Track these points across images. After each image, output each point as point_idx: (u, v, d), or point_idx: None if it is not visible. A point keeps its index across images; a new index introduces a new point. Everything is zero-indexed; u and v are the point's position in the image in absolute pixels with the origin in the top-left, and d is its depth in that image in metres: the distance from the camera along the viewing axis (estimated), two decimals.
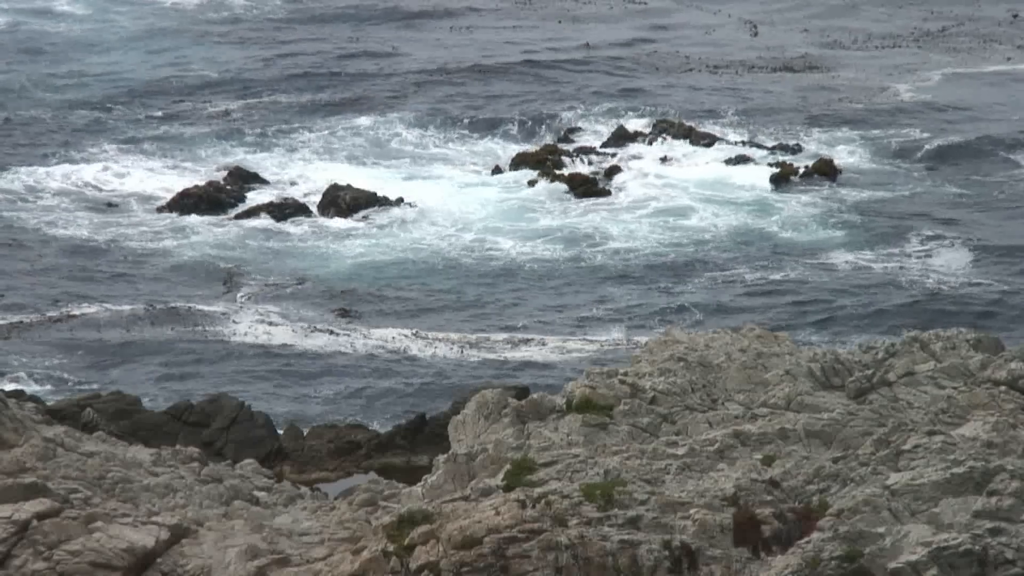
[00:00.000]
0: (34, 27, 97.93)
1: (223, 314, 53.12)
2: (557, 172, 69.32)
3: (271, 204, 65.51)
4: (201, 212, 64.68)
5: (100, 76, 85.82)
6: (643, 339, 50.14)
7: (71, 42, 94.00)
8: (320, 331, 51.45)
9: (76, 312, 52.99)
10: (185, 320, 52.54)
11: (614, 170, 70.17)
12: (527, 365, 48.52)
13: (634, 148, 73.81)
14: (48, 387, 46.29)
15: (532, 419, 27.74)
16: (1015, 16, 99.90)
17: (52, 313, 52.82)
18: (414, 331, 51.39)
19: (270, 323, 52.21)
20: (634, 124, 77.06)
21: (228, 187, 67.29)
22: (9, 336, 50.40)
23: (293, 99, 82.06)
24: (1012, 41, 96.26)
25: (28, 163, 70.29)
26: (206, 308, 53.59)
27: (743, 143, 74.17)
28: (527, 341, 50.70)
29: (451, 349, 49.95)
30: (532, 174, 69.22)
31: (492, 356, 49.48)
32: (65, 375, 47.52)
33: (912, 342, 28.78)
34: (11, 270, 57.51)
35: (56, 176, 68.80)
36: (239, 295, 55.27)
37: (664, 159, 71.88)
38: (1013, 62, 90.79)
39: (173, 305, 53.77)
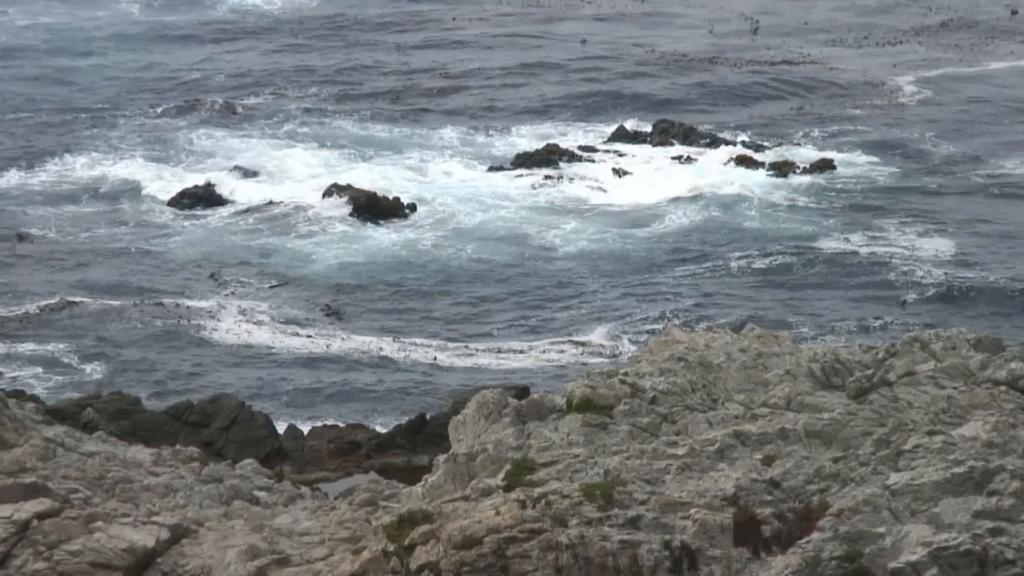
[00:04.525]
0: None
1: (210, 311, 53.35)
2: (556, 172, 69.45)
3: (270, 203, 65.57)
4: (200, 210, 64.86)
5: (96, 77, 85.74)
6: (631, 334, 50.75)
7: (57, 44, 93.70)
8: (302, 333, 51.63)
9: (74, 299, 53.35)
10: (173, 316, 52.78)
11: (614, 168, 70.23)
12: (519, 370, 48.75)
13: (634, 147, 73.84)
14: (38, 372, 46.79)
15: (532, 419, 27.73)
16: (1014, 12, 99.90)
17: (48, 302, 53.24)
18: (394, 336, 51.53)
19: (255, 322, 52.48)
20: (634, 123, 77.07)
21: (227, 185, 67.31)
22: (4, 328, 50.81)
23: (294, 98, 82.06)
24: (1012, 37, 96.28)
25: (26, 162, 70.30)
26: (196, 304, 53.81)
27: (743, 142, 74.22)
28: (511, 350, 50.82)
29: (427, 354, 50.14)
30: (532, 173, 69.32)
31: (473, 362, 49.69)
32: (57, 368, 48.02)
33: (912, 342, 28.76)
34: (9, 266, 57.64)
35: (54, 174, 68.86)
36: (230, 291, 55.43)
37: (664, 159, 71.91)
38: (1015, 58, 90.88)
39: (163, 301, 54.01)
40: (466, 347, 50.81)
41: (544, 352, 50.15)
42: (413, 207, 65.32)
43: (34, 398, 40.51)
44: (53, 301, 53.46)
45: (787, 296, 54.84)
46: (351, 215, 64.13)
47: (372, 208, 64.60)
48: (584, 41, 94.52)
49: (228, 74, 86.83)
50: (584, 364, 46.96)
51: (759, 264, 58.14)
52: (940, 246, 59.44)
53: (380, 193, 65.81)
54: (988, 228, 62.40)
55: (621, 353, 48.61)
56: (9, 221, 62.88)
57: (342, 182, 66.67)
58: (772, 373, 28.20)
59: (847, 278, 56.27)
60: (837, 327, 51.07)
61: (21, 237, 60.90)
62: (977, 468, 23.47)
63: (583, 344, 50.81)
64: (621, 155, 72.45)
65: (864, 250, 59.32)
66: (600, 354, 49.70)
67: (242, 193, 66.89)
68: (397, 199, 65.64)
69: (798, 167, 69.53)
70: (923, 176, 69.34)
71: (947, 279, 55.59)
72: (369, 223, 63.46)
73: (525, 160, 71.37)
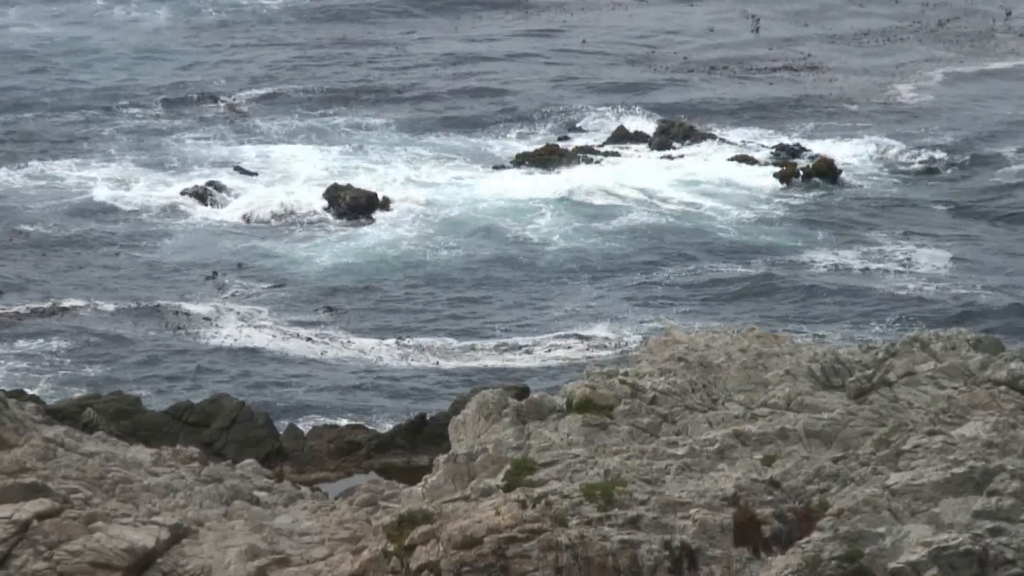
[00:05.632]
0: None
1: (209, 312, 53.43)
2: (556, 172, 69.54)
3: (270, 203, 65.55)
4: (198, 210, 64.86)
5: (92, 75, 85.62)
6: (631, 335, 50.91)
7: (53, 42, 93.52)
8: (302, 335, 51.67)
9: (66, 305, 53.37)
10: (169, 318, 52.83)
11: (612, 168, 70.27)
12: (518, 370, 48.78)
13: (634, 148, 73.81)
14: (37, 372, 47.05)
15: (532, 419, 27.73)
16: (1008, 13, 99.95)
17: (43, 305, 53.28)
18: (397, 338, 51.53)
19: (254, 324, 52.55)
20: (635, 123, 77.01)
21: (226, 186, 67.29)
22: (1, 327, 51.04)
23: (294, 98, 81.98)
24: (1012, 35, 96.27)
25: (21, 162, 70.24)
26: (194, 305, 53.90)
27: (744, 143, 74.21)
28: (516, 347, 50.82)
29: (429, 360, 50.15)
30: (531, 173, 69.37)
31: (477, 362, 49.74)
32: (50, 367, 48.17)
33: (912, 342, 28.76)
34: (3, 266, 57.71)
35: (50, 174, 68.79)
36: (228, 293, 55.49)
37: (665, 159, 71.90)
38: (1015, 57, 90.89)
39: (160, 302, 54.09)
40: (470, 346, 50.84)
41: (549, 351, 50.20)
42: (412, 207, 65.31)
43: (34, 398, 40.50)
44: (47, 305, 53.39)
45: (782, 300, 54.83)
46: (351, 216, 64.12)
47: (372, 209, 64.65)
48: (584, 42, 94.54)
49: (227, 74, 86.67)
50: (590, 357, 47.05)
51: (755, 265, 58.15)
52: (938, 255, 59.35)
53: (380, 194, 65.82)
54: (990, 233, 62.35)
55: (627, 345, 48.66)
56: (2, 221, 62.81)
57: (342, 183, 66.66)
58: (772, 373, 28.21)
59: (845, 282, 56.27)
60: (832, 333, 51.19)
61: (14, 237, 60.81)
62: (977, 468, 23.49)
63: (587, 339, 50.87)
64: (620, 155, 72.40)
65: (864, 254, 59.38)
66: (605, 347, 49.79)
67: (241, 194, 66.83)
68: (397, 199, 65.65)
69: (799, 168, 69.51)
70: (924, 178, 69.35)
71: (951, 290, 55.56)
72: (369, 224, 63.45)
73: (524, 160, 71.38)
